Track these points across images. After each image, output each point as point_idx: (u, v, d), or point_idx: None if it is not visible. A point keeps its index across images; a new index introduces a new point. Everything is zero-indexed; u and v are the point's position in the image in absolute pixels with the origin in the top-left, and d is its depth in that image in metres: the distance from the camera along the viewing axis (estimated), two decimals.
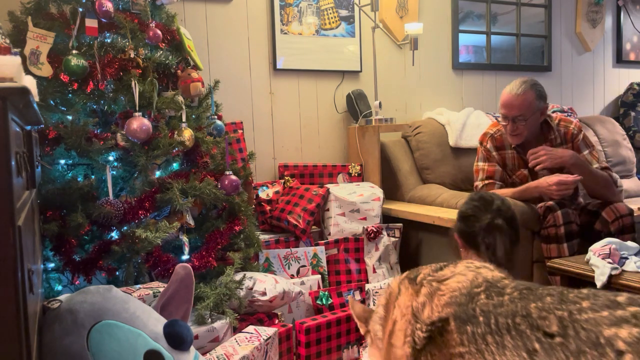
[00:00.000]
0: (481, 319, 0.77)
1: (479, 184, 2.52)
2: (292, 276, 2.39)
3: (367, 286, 2.38)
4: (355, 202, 2.63)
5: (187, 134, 1.88)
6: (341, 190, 2.69)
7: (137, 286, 1.61)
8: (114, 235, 1.79)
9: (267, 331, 1.75)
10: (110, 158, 1.84)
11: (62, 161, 1.80)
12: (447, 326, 0.81)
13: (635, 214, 2.21)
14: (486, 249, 1.46)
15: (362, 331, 1.11)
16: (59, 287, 1.74)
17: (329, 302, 2.27)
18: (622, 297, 0.69)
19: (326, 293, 2.29)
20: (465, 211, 1.57)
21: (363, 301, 2.36)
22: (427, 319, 0.85)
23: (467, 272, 0.90)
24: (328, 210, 2.65)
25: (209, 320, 1.74)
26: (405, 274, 1.04)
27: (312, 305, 2.30)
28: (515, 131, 2.31)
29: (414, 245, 2.73)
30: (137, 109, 1.77)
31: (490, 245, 1.46)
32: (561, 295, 0.73)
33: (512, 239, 1.50)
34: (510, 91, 2.29)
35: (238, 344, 1.64)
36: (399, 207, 2.77)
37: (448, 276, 0.90)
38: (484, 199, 1.55)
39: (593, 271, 1.76)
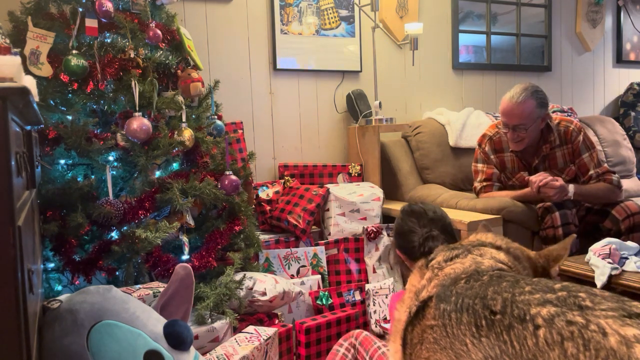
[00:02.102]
0: (453, 299, 0.89)
1: (477, 185, 2.52)
2: (292, 276, 2.39)
3: (367, 286, 2.38)
4: (355, 202, 2.63)
5: (187, 134, 1.88)
6: (341, 190, 2.69)
7: (137, 286, 1.61)
8: (114, 235, 1.79)
9: (267, 331, 1.75)
10: (110, 158, 1.84)
11: (62, 161, 1.80)
12: (429, 302, 0.94)
13: None
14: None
15: None
16: (59, 287, 1.74)
17: (329, 302, 2.27)
18: (559, 285, 0.79)
19: (326, 293, 2.29)
20: (401, 227, 1.58)
21: (363, 301, 2.36)
22: (421, 298, 0.98)
23: (467, 261, 1.01)
24: (328, 210, 2.65)
25: (209, 320, 1.74)
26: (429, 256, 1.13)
27: (312, 306, 2.30)
28: (516, 139, 2.31)
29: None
30: (137, 109, 1.77)
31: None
32: (515, 282, 0.84)
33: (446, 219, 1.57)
34: (511, 99, 2.26)
35: (238, 344, 1.64)
36: (399, 207, 2.76)
37: (450, 265, 1.02)
38: (417, 213, 1.58)
39: (593, 271, 1.76)
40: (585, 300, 0.72)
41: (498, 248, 1.09)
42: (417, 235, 1.52)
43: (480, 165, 2.50)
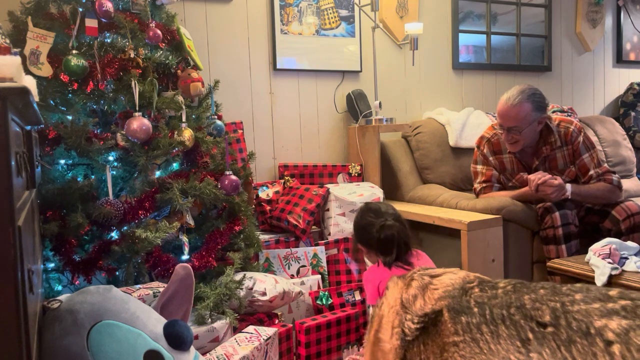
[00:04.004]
0: (476, 309, 0.79)
1: (477, 186, 2.53)
2: (292, 276, 2.39)
3: None
4: (355, 202, 2.62)
5: (187, 134, 1.88)
6: (341, 190, 2.69)
7: (137, 286, 1.61)
8: (114, 235, 1.79)
9: (267, 331, 1.75)
10: (110, 158, 1.84)
11: (62, 161, 1.80)
12: (440, 317, 0.83)
13: None
14: (384, 246, 1.78)
15: None
16: (59, 287, 1.74)
17: (329, 302, 2.27)
18: (614, 291, 0.71)
19: (326, 293, 2.29)
20: (360, 222, 1.88)
21: (363, 301, 2.36)
22: (419, 310, 0.87)
23: (459, 271, 0.93)
24: (328, 210, 2.65)
25: (209, 320, 1.74)
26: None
27: (312, 306, 2.30)
28: (510, 140, 2.30)
29: (414, 246, 2.72)
30: (137, 109, 1.77)
31: (387, 240, 1.77)
32: (554, 288, 0.75)
33: (400, 232, 1.81)
34: (507, 101, 2.26)
35: (238, 344, 1.64)
36: (399, 207, 2.75)
37: (439, 273, 0.94)
38: (373, 209, 1.88)
39: (593, 271, 1.76)
40: None
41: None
42: (374, 227, 1.80)
43: (479, 167, 2.50)
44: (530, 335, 0.71)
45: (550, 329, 0.69)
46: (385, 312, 0.94)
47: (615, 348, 0.63)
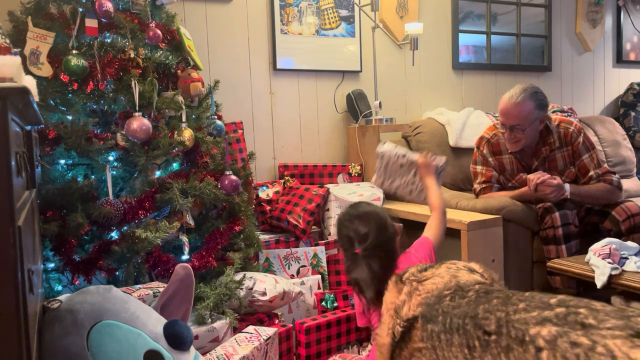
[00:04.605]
0: (440, 319, 0.84)
1: (477, 187, 2.52)
2: (292, 276, 2.39)
3: None
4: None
5: (187, 134, 1.88)
6: (341, 190, 2.69)
7: (137, 286, 1.61)
8: (114, 235, 1.79)
9: (267, 331, 1.75)
10: (110, 158, 1.84)
11: (62, 161, 1.80)
12: (415, 323, 0.89)
13: None
14: (356, 286, 1.43)
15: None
16: (59, 287, 1.74)
17: (334, 305, 2.26)
18: (555, 300, 0.74)
19: (332, 296, 2.29)
20: (338, 229, 1.59)
21: None
22: (404, 316, 0.92)
23: (446, 274, 0.96)
24: (328, 210, 2.65)
25: (209, 320, 1.74)
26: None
27: (316, 308, 2.29)
28: (512, 139, 2.30)
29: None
30: (137, 109, 1.77)
31: (356, 284, 1.42)
32: (506, 298, 0.79)
33: (379, 224, 1.49)
34: (510, 99, 2.25)
35: (238, 344, 1.64)
36: (399, 207, 2.77)
37: (428, 277, 0.97)
38: (348, 213, 1.59)
39: (593, 271, 1.76)
40: (587, 317, 0.67)
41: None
42: (346, 255, 1.49)
43: (479, 168, 2.50)
44: (477, 343, 0.75)
45: (493, 337, 0.74)
46: (384, 312, 1.00)
47: (544, 354, 0.66)
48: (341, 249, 1.69)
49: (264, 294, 1.93)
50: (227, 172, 1.98)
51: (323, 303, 2.27)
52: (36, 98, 1.08)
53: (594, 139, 3.52)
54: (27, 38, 1.70)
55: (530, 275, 2.37)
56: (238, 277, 1.92)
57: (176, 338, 1.28)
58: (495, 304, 0.78)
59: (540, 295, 0.78)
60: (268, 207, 2.60)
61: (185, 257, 1.84)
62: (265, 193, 2.64)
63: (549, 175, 2.17)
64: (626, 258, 1.77)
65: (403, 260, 1.50)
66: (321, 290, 2.36)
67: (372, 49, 2.99)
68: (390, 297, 1.02)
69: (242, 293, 1.89)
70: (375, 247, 1.42)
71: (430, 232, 1.65)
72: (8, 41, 1.06)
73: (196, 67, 2.10)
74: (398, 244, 1.54)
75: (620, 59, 4.24)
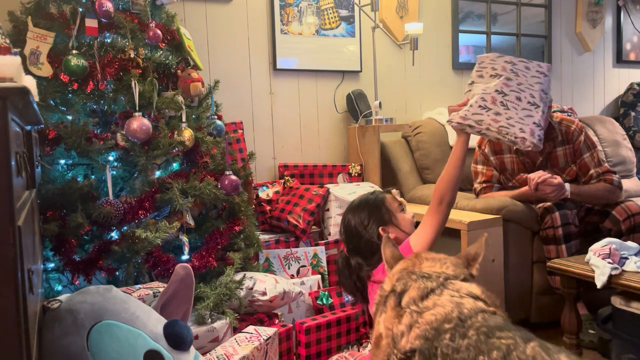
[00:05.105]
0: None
1: (477, 186, 2.53)
2: (292, 276, 2.39)
3: None
4: None
5: (187, 134, 1.88)
6: (341, 190, 2.69)
7: (137, 286, 1.61)
8: (114, 235, 1.79)
9: (267, 331, 1.75)
10: (110, 158, 1.84)
11: (62, 161, 1.79)
12: (413, 357, 0.89)
13: None
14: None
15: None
16: (59, 287, 1.74)
17: (329, 302, 2.27)
18: (564, 355, 0.76)
19: (326, 293, 2.29)
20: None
21: None
22: (402, 348, 0.93)
23: (448, 303, 0.95)
24: (328, 210, 2.65)
25: (209, 320, 1.74)
26: (396, 277, 1.08)
27: (312, 306, 2.30)
28: None
29: None
30: (137, 109, 1.77)
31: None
32: (508, 349, 0.80)
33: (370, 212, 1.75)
34: None
35: (238, 344, 1.64)
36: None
37: (429, 307, 0.96)
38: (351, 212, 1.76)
39: (593, 271, 1.76)
40: None
41: (464, 279, 1.04)
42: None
43: (480, 167, 2.50)
44: None
45: None
46: (383, 333, 1.00)
47: None
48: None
49: (264, 293, 1.93)
50: (227, 172, 1.98)
51: (318, 300, 2.27)
52: (36, 98, 1.08)
53: (594, 139, 3.51)
54: (27, 38, 1.70)
55: (530, 275, 2.37)
56: (238, 277, 1.92)
57: (176, 338, 1.28)
58: (496, 357, 0.79)
59: (548, 347, 0.79)
60: (268, 207, 2.60)
61: (185, 257, 1.84)
62: (265, 193, 2.64)
63: (549, 175, 2.17)
64: (626, 258, 1.77)
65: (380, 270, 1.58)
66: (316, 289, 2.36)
67: (372, 49, 2.99)
68: (389, 320, 1.00)
69: (242, 293, 1.89)
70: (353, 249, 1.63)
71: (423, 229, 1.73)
72: (8, 41, 1.06)
73: (196, 67, 2.10)
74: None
75: (620, 59, 4.24)
